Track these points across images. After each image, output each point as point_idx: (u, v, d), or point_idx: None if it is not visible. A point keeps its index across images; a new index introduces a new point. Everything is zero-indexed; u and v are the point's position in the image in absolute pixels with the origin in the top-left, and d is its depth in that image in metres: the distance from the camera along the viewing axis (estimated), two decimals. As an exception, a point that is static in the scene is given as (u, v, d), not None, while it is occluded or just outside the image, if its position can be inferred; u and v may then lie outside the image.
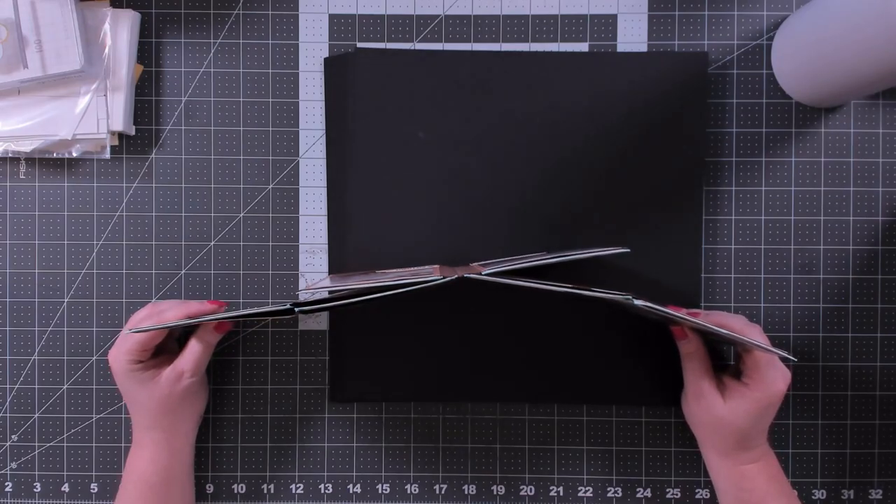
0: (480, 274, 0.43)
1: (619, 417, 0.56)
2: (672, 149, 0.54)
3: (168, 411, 0.50)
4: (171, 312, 0.49)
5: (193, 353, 0.49)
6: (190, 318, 0.49)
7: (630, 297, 0.42)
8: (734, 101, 0.55)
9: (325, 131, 0.56)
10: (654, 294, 0.54)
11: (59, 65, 0.52)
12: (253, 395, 0.56)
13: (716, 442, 0.50)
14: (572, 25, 0.56)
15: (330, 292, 0.50)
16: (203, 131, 0.56)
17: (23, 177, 0.56)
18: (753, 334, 0.48)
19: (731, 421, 0.48)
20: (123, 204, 0.56)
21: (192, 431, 0.52)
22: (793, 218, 0.55)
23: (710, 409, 0.49)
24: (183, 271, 0.56)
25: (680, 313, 0.46)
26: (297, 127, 0.56)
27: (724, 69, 0.55)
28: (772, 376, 0.47)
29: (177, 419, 0.51)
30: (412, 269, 0.52)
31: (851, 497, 0.55)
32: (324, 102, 0.56)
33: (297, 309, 0.43)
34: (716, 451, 0.50)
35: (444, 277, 0.42)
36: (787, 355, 0.46)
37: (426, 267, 0.52)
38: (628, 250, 0.50)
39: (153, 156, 0.56)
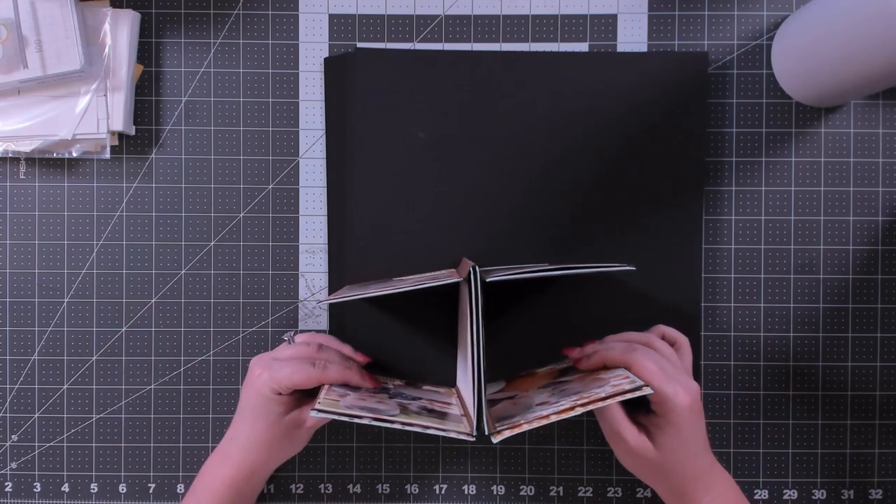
0: (485, 280, 0.43)
1: (619, 417, 0.56)
2: (672, 149, 0.54)
3: (269, 446, 0.49)
4: (333, 373, 0.48)
5: None
6: (347, 384, 0.49)
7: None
8: (734, 101, 0.55)
9: (325, 131, 0.56)
10: (654, 293, 0.54)
11: (59, 65, 0.52)
12: (253, 395, 0.56)
13: (668, 486, 0.46)
14: (572, 25, 0.56)
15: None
16: (203, 131, 0.56)
17: (23, 177, 0.56)
18: (638, 358, 0.44)
19: (667, 459, 0.44)
20: (123, 204, 0.56)
21: (272, 470, 0.52)
22: (793, 218, 0.55)
23: (642, 458, 0.45)
24: (183, 271, 0.56)
25: (572, 354, 0.47)
26: (297, 127, 0.56)
27: (724, 69, 0.55)
28: (672, 391, 0.43)
29: (272, 455, 0.50)
30: (430, 274, 0.52)
31: (851, 497, 0.55)
32: (324, 102, 0.56)
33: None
34: (673, 496, 0.46)
35: (461, 278, 0.42)
36: (645, 388, 0.41)
37: (443, 271, 0.52)
38: (633, 268, 0.50)
39: (153, 156, 0.56)
